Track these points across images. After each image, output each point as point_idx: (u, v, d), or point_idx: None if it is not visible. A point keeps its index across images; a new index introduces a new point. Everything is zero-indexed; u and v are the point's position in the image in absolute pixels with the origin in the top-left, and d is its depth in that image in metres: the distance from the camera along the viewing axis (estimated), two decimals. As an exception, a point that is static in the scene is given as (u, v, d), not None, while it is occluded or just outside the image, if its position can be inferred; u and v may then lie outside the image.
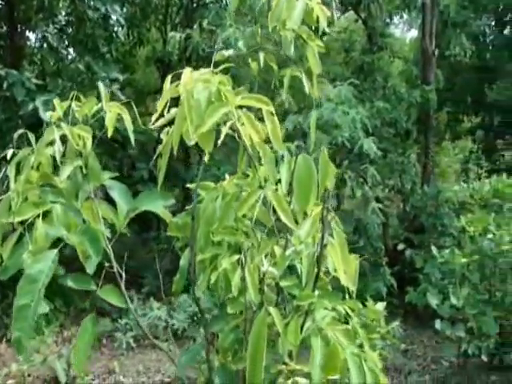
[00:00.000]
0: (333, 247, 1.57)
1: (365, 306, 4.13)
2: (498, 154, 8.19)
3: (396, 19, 8.82)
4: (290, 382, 1.49)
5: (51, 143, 1.73)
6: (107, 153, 6.30)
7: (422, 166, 7.11)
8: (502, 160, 7.89)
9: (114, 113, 1.83)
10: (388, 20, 8.80)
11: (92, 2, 5.83)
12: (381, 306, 4.05)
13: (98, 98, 1.86)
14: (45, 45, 6.97)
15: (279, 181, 1.78)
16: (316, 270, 1.55)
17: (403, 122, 6.46)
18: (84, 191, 1.89)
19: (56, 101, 1.76)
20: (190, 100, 1.37)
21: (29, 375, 5.10)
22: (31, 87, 5.24)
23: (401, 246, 6.83)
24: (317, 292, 1.63)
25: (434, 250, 5.37)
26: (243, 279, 1.52)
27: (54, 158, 1.80)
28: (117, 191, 1.99)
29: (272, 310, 1.52)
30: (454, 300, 5.15)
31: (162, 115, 1.52)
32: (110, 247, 1.88)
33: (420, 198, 6.62)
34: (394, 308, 6.98)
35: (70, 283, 1.80)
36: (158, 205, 1.97)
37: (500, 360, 5.46)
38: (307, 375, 1.63)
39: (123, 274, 1.90)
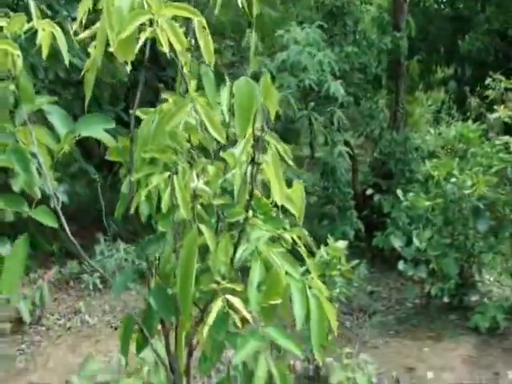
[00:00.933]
0: (268, 166, 1.54)
1: (326, 244, 4.20)
2: (468, 103, 8.23)
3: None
4: (220, 299, 1.48)
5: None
6: (76, 95, 6.14)
7: (392, 114, 7.12)
8: (469, 107, 7.93)
9: (47, 31, 1.76)
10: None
11: None
12: (342, 244, 4.13)
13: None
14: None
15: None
16: (250, 188, 1.53)
17: (373, 67, 6.40)
18: (20, 115, 1.83)
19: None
20: (110, 7, 1.31)
21: (-6, 316, 5.12)
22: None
23: (369, 191, 6.90)
24: (251, 212, 1.62)
25: (399, 193, 5.44)
26: (174, 196, 1.50)
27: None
28: (56, 116, 1.94)
29: (203, 227, 1.51)
30: (417, 242, 5.27)
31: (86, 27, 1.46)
32: (50, 174, 1.85)
33: (389, 144, 6.65)
34: (362, 252, 7.13)
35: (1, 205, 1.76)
36: (98, 129, 1.92)
37: (460, 300, 5.64)
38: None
39: (60, 198, 1.87)
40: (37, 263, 6.04)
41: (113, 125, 1.93)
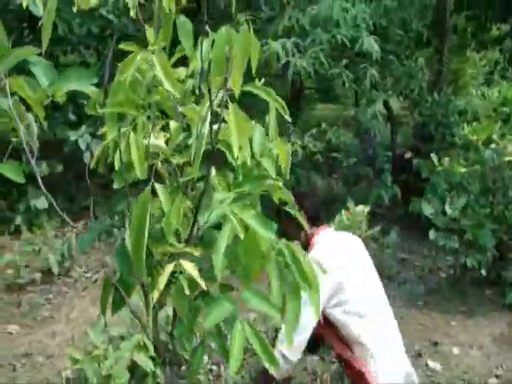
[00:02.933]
0: (230, 119, 1.43)
1: (347, 208, 4.07)
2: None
3: None
4: (172, 264, 1.41)
5: None
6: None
7: (435, 73, 6.71)
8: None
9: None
10: None
11: None
12: (363, 208, 3.97)
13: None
14: None
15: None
16: (209, 144, 1.42)
17: (414, 23, 5.99)
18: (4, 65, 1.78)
19: None
20: None
21: (27, 266, 5.30)
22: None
23: (408, 155, 6.62)
24: (214, 172, 1.52)
25: (434, 158, 5.17)
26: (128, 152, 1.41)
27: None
28: (39, 67, 1.88)
29: (158, 186, 1.43)
30: (449, 210, 5.02)
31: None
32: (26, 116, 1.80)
33: (430, 105, 6.30)
34: (398, 218, 6.92)
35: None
36: (85, 83, 1.86)
37: (497, 275, 5.37)
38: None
39: (35, 152, 1.83)
40: (71, 217, 6.16)
41: (95, 80, 1.87)
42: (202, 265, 1.60)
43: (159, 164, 1.50)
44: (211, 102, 1.35)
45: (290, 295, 1.60)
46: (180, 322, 1.75)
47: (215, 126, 1.45)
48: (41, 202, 6.09)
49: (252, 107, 2.11)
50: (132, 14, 1.57)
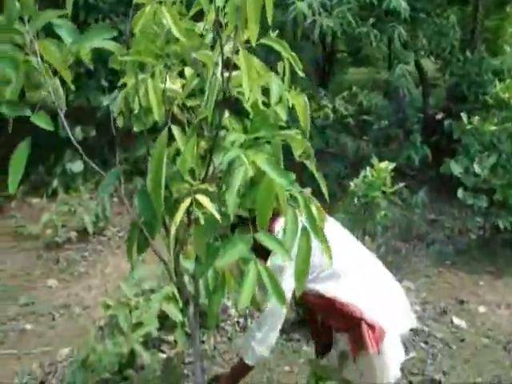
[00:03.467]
0: (241, 63, 1.48)
1: (372, 166, 4.07)
2: None
3: None
4: (189, 199, 1.49)
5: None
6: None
7: (469, 31, 6.51)
8: None
9: None
10: None
11: None
12: (387, 165, 3.97)
13: None
14: None
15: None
16: (223, 87, 1.49)
17: (445, -23, 5.81)
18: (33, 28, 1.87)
19: None
20: None
21: (64, 226, 5.53)
22: None
23: (439, 116, 6.52)
24: (228, 114, 1.59)
25: (463, 117, 5.10)
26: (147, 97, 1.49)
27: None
28: (64, 29, 1.96)
29: (174, 128, 1.51)
30: (478, 169, 4.98)
31: None
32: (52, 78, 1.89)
33: (462, 64, 6.15)
34: (429, 179, 6.87)
35: (3, 110, 1.83)
36: (104, 38, 1.93)
37: (530, 237, 5.31)
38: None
39: (63, 108, 1.92)
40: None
41: (115, 33, 1.94)
42: (219, 208, 1.68)
43: (175, 108, 1.58)
44: (222, 47, 1.41)
45: (302, 241, 1.67)
46: (200, 261, 1.85)
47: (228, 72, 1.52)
48: (76, 166, 6.31)
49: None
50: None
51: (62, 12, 1.94)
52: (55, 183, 6.32)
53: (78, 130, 6.33)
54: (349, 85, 8.15)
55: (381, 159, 4.13)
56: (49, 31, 1.95)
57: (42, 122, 1.81)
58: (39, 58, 1.86)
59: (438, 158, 6.41)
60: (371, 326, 2.29)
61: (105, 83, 6.56)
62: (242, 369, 2.49)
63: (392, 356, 2.38)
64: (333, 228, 2.41)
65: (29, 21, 1.87)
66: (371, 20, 5.03)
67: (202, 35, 1.75)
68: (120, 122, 1.67)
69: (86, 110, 6.59)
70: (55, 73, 1.92)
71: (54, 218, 5.43)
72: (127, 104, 1.60)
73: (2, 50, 1.82)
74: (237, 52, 1.49)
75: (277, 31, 1.83)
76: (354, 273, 2.39)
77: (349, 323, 2.36)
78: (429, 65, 7.84)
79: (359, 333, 2.30)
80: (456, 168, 4.98)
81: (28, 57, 1.86)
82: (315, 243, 1.64)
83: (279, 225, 2.26)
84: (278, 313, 2.32)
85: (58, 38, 1.96)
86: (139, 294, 3.82)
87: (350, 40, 5.95)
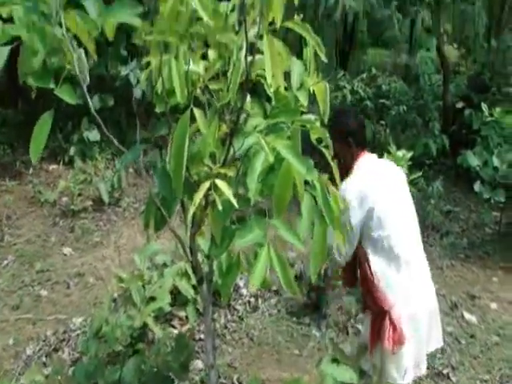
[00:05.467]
0: (264, 49, 1.49)
1: (389, 152, 4.05)
2: None
3: None
4: (208, 182, 1.52)
5: None
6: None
7: (496, 19, 6.37)
8: None
9: None
10: None
11: None
12: (404, 153, 3.96)
13: None
14: None
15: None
16: (247, 74, 1.49)
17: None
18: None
19: None
20: None
21: (80, 194, 5.60)
22: None
23: (459, 105, 6.43)
24: (249, 98, 1.60)
25: (484, 108, 5.04)
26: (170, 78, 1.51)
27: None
28: (90, 1, 1.98)
29: (196, 111, 1.52)
30: (496, 162, 4.93)
31: None
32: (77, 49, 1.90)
33: (486, 53, 6.05)
34: (446, 169, 6.82)
35: (30, 81, 1.86)
36: (129, 14, 1.94)
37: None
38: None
39: (87, 79, 1.94)
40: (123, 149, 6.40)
41: (140, 9, 1.95)
42: (238, 191, 1.70)
43: (198, 90, 1.59)
44: (246, 32, 1.42)
45: (318, 227, 1.69)
46: (216, 243, 1.88)
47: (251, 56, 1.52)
48: (93, 135, 6.33)
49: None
50: None
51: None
52: (72, 151, 6.36)
53: (95, 98, 6.34)
54: (368, 66, 8.06)
55: (398, 145, 4.11)
56: (73, 1, 1.97)
57: (65, 95, 1.84)
58: (65, 29, 1.88)
59: (455, 147, 6.35)
60: (394, 326, 2.31)
61: (124, 52, 6.53)
62: None
63: (409, 364, 2.38)
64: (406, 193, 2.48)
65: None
66: (395, 3, 4.94)
67: (226, 15, 1.75)
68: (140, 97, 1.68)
69: (105, 78, 6.58)
70: (79, 43, 1.95)
71: (71, 185, 5.50)
72: (150, 83, 1.61)
73: (30, 21, 1.84)
74: (261, 37, 1.50)
75: (301, 15, 1.82)
76: (406, 269, 2.37)
77: (375, 309, 2.40)
78: (451, 51, 7.72)
79: (381, 324, 2.34)
80: (474, 160, 4.93)
81: (53, 27, 1.88)
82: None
83: (360, 163, 2.44)
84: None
85: (83, 8, 1.98)
86: (152, 267, 3.89)
87: (372, 21, 5.86)
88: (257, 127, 1.60)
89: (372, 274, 2.36)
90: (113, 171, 5.82)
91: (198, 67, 1.54)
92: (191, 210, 1.54)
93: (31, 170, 6.20)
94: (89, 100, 1.86)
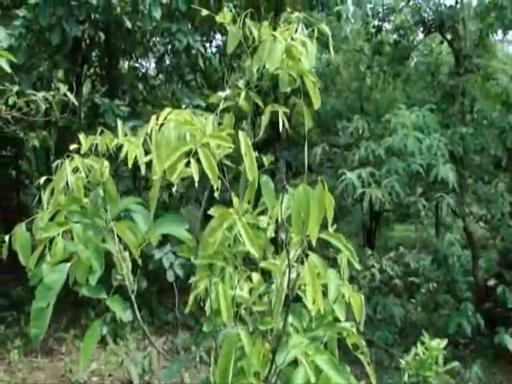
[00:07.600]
0: (306, 275, 1.63)
1: (423, 343, 3.98)
2: None
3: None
4: (253, 399, 1.56)
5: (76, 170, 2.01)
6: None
7: (516, 198, 6.63)
8: None
9: (130, 146, 2.06)
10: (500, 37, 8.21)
11: (177, 35, 6.31)
12: (439, 342, 3.88)
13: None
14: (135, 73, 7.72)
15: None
16: (289, 296, 1.62)
17: (491, 148, 6.07)
18: (113, 213, 2.13)
19: (82, 136, 2.03)
20: (157, 138, 1.57)
21: (110, 375, 5.53)
22: (120, 114, 5.88)
23: (491, 282, 6.41)
24: (291, 318, 1.70)
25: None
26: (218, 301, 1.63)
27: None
28: (140, 215, 2.22)
29: (242, 332, 1.62)
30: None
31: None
32: (126, 265, 2.09)
33: (512, 231, 6.18)
34: (483, 349, 6.57)
35: (83, 292, 2.01)
36: (178, 228, 2.16)
37: None
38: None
39: (135, 288, 2.10)
40: (153, 331, 6.45)
41: (187, 225, 2.18)
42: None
43: (243, 311, 1.70)
44: (289, 259, 1.57)
45: None
46: None
47: (293, 276, 1.66)
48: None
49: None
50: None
51: (138, 200, 2.21)
52: (104, 330, 6.40)
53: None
54: (396, 243, 8.24)
55: (430, 325, 4.06)
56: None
57: (115, 306, 1.98)
58: (116, 239, 2.08)
59: (491, 325, 6.20)
60: None
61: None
62: None
63: None
64: None
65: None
66: (420, 190, 5.26)
67: (264, 230, 1.92)
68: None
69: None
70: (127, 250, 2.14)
71: (102, 367, 5.46)
72: (197, 302, 1.74)
73: (88, 237, 2.04)
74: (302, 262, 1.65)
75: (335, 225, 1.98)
76: None
77: None
78: (477, 228, 7.89)
79: None
80: (511, 341, 4.80)
81: (105, 239, 2.08)
82: None
83: None
84: None
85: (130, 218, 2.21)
86: None
87: (398, 205, 6.15)
88: (297, 345, 1.67)
89: None
90: (143, 353, 5.78)
91: (242, 290, 1.67)
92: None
93: (64, 348, 6.20)
94: (137, 312, 1.99)
